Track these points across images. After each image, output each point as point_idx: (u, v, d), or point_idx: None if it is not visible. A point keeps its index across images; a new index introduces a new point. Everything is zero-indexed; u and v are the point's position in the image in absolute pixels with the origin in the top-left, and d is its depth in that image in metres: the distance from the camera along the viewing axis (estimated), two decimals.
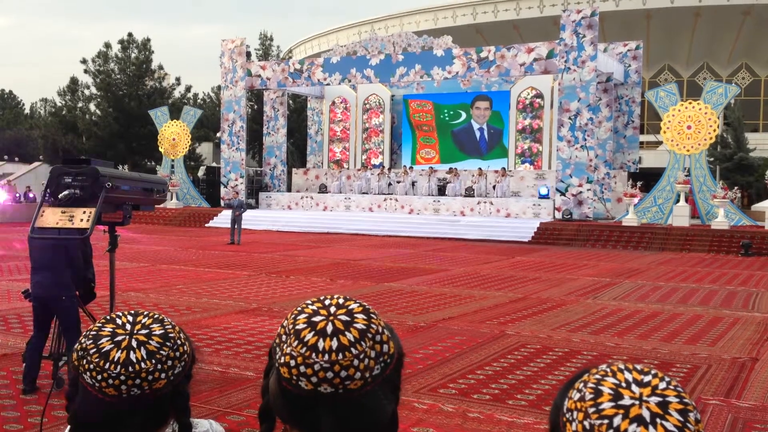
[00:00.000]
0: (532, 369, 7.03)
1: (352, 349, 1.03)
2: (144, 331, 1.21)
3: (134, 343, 1.19)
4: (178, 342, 1.24)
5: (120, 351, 1.18)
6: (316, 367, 1.02)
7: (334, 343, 1.03)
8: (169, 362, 1.21)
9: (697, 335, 8.88)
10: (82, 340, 1.22)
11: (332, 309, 1.07)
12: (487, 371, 6.91)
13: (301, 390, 1.03)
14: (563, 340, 8.41)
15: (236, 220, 21.19)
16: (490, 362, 7.26)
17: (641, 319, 9.94)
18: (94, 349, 1.19)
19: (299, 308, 1.10)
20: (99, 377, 1.17)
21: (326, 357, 1.02)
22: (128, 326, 1.22)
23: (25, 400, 5.76)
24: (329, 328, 1.04)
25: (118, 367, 1.17)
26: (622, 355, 7.72)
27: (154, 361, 1.19)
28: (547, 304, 11.07)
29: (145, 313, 1.26)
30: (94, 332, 1.22)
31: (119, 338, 1.20)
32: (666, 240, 22.12)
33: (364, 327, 1.06)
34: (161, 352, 1.20)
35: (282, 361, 1.05)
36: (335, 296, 1.11)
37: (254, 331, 8.61)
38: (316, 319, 1.06)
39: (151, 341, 1.20)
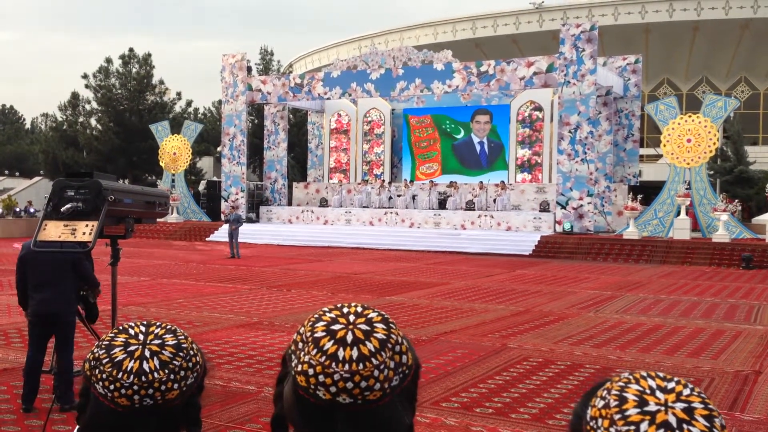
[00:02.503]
0: (534, 382, 7.00)
1: (373, 360, 1.01)
2: (157, 341, 1.20)
3: (147, 353, 1.17)
4: (191, 353, 1.22)
5: (133, 361, 1.16)
6: (336, 377, 1.00)
7: (355, 353, 1.00)
8: (182, 373, 1.19)
9: (700, 348, 8.86)
10: (95, 350, 1.20)
11: (351, 317, 1.05)
12: (490, 385, 6.88)
13: (319, 400, 1.01)
14: (565, 353, 8.38)
15: (232, 234, 21.18)
16: (493, 376, 7.23)
17: (643, 332, 9.91)
18: (107, 359, 1.17)
19: (317, 315, 1.08)
20: (111, 387, 1.16)
21: (346, 367, 1.00)
22: (141, 336, 1.20)
23: (25, 415, 5.73)
24: (349, 337, 1.02)
25: (131, 377, 1.15)
26: (625, 369, 7.68)
27: (167, 371, 1.17)
28: (549, 317, 11.04)
29: (158, 323, 1.25)
30: (107, 342, 1.20)
31: (132, 348, 1.18)
32: (667, 253, 22.10)
33: (384, 337, 1.04)
34: (174, 362, 1.19)
35: (299, 369, 1.02)
36: (353, 304, 1.09)
37: (255, 345, 8.58)
38: (336, 327, 1.03)
39: (164, 351, 1.19)
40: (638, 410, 0.87)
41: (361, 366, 1.00)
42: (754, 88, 44.85)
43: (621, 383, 0.91)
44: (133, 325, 1.24)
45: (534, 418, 5.90)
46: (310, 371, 1.01)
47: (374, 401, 1.01)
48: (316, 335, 1.03)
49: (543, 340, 9.11)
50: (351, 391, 1.00)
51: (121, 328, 1.23)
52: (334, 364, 1.00)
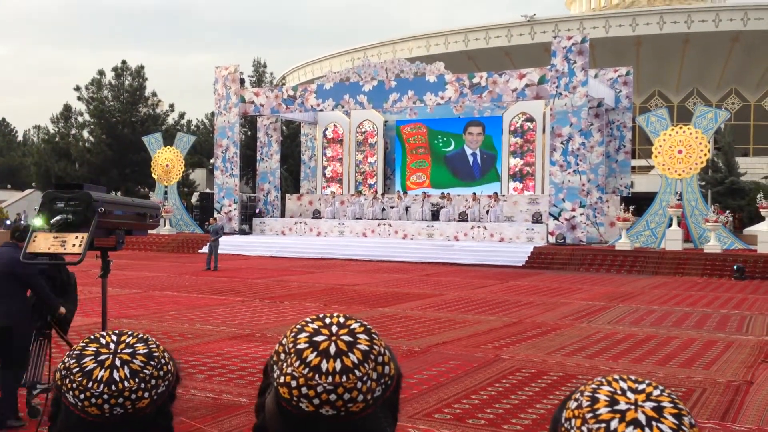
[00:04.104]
0: (527, 393, 6.99)
1: (356, 371, 1.01)
2: (128, 350, 1.20)
3: (118, 362, 1.18)
4: (162, 361, 1.23)
5: (103, 370, 1.17)
6: (319, 389, 0.99)
7: (338, 365, 1.00)
8: (153, 381, 1.19)
9: (692, 359, 8.87)
10: (66, 360, 1.20)
11: (334, 328, 1.05)
12: (482, 396, 6.87)
13: (302, 411, 1.01)
14: (558, 364, 8.38)
15: (211, 246, 20.98)
16: (485, 387, 7.22)
17: (636, 342, 9.92)
18: (77, 368, 1.17)
19: (299, 326, 1.07)
20: (82, 396, 1.16)
21: (330, 379, 0.99)
22: (112, 345, 1.21)
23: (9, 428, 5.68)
24: (332, 349, 1.01)
25: (101, 386, 1.16)
26: None
27: (137, 380, 1.17)
28: (542, 328, 11.04)
29: (130, 332, 1.25)
30: (78, 351, 1.20)
31: (103, 357, 1.18)
32: (659, 264, 22.14)
33: (366, 348, 1.03)
34: (145, 371, 1.19)
35: (282, 381, 1.02)
36: (335, 315, 1.09)
37: (247, 357, 8.54)
38: (318, 338, 1.03)
39: (134, 360, 1.19)
40: (609, 409, 0.89)
41: (344, 378, 1.00)
42: (745, 100, 45.16)
43: (594, 386, 0.94)
44: (105, 334, 1.24)
45: (526, 429, 5.89)
46: (293, 383, 1.00)
47: (357, 413, 1.01)
48: (298, 347, 1.03)
49: (535, 351, 9.11)
50: (334, 403, 0.99)
51: (92, 337, 1.23)
52: (317, 376, 1.00)
